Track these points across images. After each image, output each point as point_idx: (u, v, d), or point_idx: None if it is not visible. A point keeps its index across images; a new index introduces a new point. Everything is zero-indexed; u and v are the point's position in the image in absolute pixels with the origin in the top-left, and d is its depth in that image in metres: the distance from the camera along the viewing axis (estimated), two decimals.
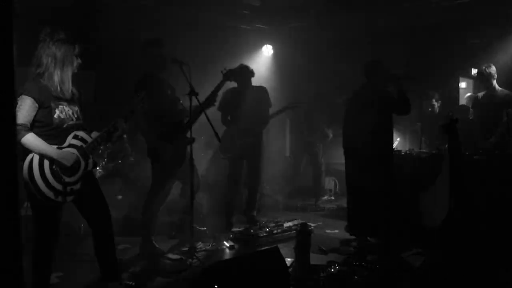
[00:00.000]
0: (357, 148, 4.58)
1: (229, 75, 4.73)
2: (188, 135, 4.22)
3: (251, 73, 5.46)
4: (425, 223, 4.08)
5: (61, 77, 2.96)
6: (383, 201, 4.46)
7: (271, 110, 5.73)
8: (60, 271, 3.73)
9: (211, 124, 4.14)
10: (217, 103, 4.67)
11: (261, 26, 7.65)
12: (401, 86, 4.46)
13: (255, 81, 5.61)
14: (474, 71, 5.61)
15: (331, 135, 7.01)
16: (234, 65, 5.35)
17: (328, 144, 7.13)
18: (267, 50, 8.08)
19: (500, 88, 5.38)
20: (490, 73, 5.32)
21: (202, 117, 4.25)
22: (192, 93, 4.13)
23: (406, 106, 4.47)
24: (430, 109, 6.15)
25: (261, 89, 5.62)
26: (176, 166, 4.35)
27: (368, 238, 4.66)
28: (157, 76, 4.37)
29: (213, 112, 4.75)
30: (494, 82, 5.36)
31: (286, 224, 5.17)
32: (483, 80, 5.44)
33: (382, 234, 4.54)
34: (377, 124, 4.48)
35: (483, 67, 5.36)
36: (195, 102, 4.19)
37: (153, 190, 4.37)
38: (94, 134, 3.14)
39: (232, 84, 5.47)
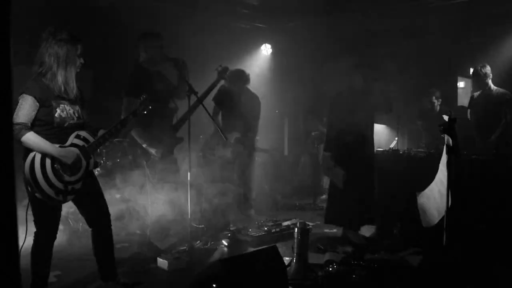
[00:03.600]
0: (340, 148, 4.74)
1: (223, 73, 4.69)
2: (185, 133, 4.21)
3: (246, 79, 5.42)
4: (423, 222, 4.08)
5: (65, 77, 2.96)
6: (362, 196, 4.69)
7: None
8: (58, 270, 3.73)
9: (216, 123, 4.13)
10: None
11: (260, 25, 7.65)
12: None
13: (254, 80, 5.60)
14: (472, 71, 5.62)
15: None
16: (233, 64, 5.34)
17: None
18: (266, 49, 8.08)
19: (496, 88, 5.38)
20: (485, 73, 5.32)
21: (204, 115, 4.22)
22: (191, 91, 4.11)
23: (386, 106, 4.77)
24: (429, 107, 6.15)
25: (255, 100, 5.57)
26: (161, 165, 4.31)
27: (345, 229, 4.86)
28: (150, 69, 4.30)
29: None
30: (490, 81, 5.37)
31: (285, 223, 5.17)
32: (478, 80, 5.44)
33: (356, 225, 4.79)
34: (360, 124, 4.66)
35: (478, 67, 5.37)
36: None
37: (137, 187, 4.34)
38: (101, 132, 3.15)
39: None
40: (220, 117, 5.54)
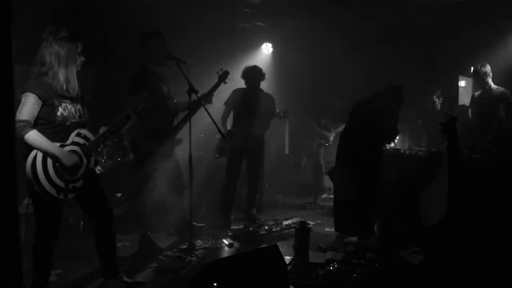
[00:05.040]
0: (352, 156, 4.63)
1: (224, 76, 4.70)
2: (186, 132, 4.23)
3: (261, 77, 5.45)
4: (423, 221, 4.09)
5: (66, 76, 2.96)
6: (369, 203, 4.60)
7: None
8: (59, 269, 3.73)
9: (214, 122, 4.13)
10: (212, 104, 4.62)
11: (261, 24, 7.64)
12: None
13: None
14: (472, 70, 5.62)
15: (332, 138, 6.93)
16: (233, 62, 5.37)
17: (328, 146, 7.08)
18: (267, 48, 8.08)
19: (495, 86, 5.39)
20: (485, 72, 5.32)
21: (204, 115, 4.23)
22: (192, 90, 4.12)
23: (392, 138, 4.85)
24: (430, 106, 6.15)
25: (269, 98, 5.62)
26: (161, 166, 4.33)
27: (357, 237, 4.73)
28: (155, 70, 4.32)
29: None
30: (490, 80, 5.37)
31: (285, 222, 5.18)
32: (478, 79, 5.44)
33: (367, 232, 4.67)
34: (375, 139, 4.61)
35: (478, 66, 5.37)
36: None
37: (136, 187, 4.36)
38: (102, 130, 3.16)
39: (241, 84, 5.50)
40: (231, 118, 5.60)
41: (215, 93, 4.58)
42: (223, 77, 4.66)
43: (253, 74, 5.42)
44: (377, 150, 4.70)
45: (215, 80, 4.66)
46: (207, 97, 4.45)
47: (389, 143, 4.96)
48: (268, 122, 5.66)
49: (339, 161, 4.79)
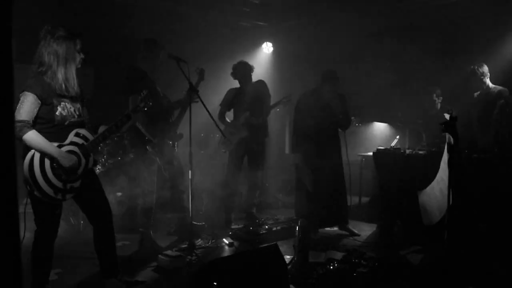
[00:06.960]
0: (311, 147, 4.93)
1: (202, 73, 4.76)
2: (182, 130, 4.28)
3: (250, 69, 5.51)
4: (424, 221, 4.08)
5: (65, 75, 2.95)
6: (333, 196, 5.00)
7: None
8: (59, 268, 3.73)
9: (214, 120, 4.16)
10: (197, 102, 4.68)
11: (261, 23, 7.64)
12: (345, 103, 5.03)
13: (255, 78, 5.63)
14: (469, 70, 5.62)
15: None
16: (234, 62, 5.37)
17: None
18: (267, 47, 8.08)
19: (493, 86, 5.39)
20: (483, 72, 5.33)
21: (204, 114, 4.25)
22: (192, 89, 4.14)
23: (347, 122, 5.08)
24: (430, 105, 6.15)
25: (260, 83, 5.66)
26: (166, 162, 4.37)
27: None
28: (147, 73, 4.42)
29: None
30: (487, 80, 5.37)
31: (285, 221, 5.17)
32: (476, 79, 5.44)
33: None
34: (327, 127, 4.94)
35: (475, 67, 5.36)
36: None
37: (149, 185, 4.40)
38: (101, 129, 3.15)
39: (235, 84, 5.52)
40: (232, 117, 5.64)
41: (214, 93, 4.66)
42: (201, 74, 4.75)
43: (241, 70, 5.48)
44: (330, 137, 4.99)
45: (215, 79, 4.72)
46: (192, 95, 4.53)
47: (345, 128, 5.12)
48: (267, 107, 5.66)
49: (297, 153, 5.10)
